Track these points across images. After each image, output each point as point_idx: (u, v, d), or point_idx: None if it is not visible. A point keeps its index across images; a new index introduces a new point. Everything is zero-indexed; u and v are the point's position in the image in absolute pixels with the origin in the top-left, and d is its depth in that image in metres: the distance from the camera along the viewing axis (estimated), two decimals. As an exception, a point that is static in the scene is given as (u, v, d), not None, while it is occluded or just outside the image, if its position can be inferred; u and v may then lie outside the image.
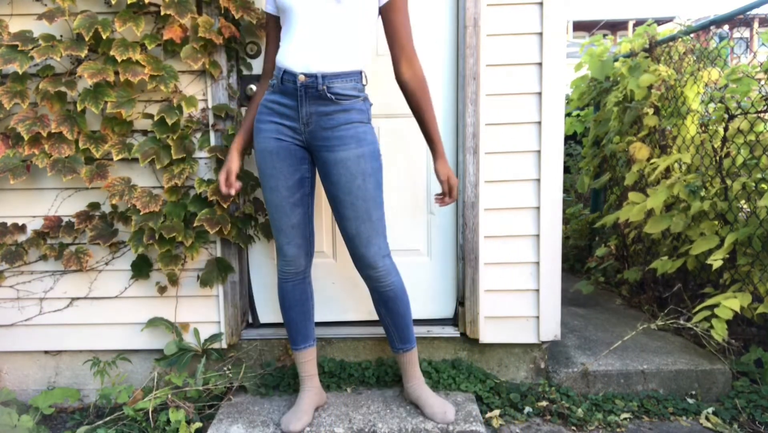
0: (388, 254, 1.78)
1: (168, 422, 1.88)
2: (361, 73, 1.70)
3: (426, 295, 2.22)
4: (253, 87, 2.08)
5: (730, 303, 2.09)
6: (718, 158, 2.40)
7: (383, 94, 2.10)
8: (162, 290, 2.08)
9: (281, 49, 1.70)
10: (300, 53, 1.65)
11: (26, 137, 1.86)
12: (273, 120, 1.72)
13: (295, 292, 1.83)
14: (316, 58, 1.64)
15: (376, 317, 2.22)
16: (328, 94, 1.65)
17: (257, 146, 1.74)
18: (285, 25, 1.71)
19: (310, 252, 1.84)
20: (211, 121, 2.02)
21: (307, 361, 1.88)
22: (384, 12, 1.69)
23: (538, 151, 2.03)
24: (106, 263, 2.09)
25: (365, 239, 1.72)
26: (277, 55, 1.74)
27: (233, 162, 1.80)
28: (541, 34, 1.98)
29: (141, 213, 1.94)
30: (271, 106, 1.72)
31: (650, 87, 2.81)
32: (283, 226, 1.75)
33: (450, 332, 2.16)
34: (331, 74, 1.65)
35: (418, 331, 2.15)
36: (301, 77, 1.64)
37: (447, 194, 1.81)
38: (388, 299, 1.80)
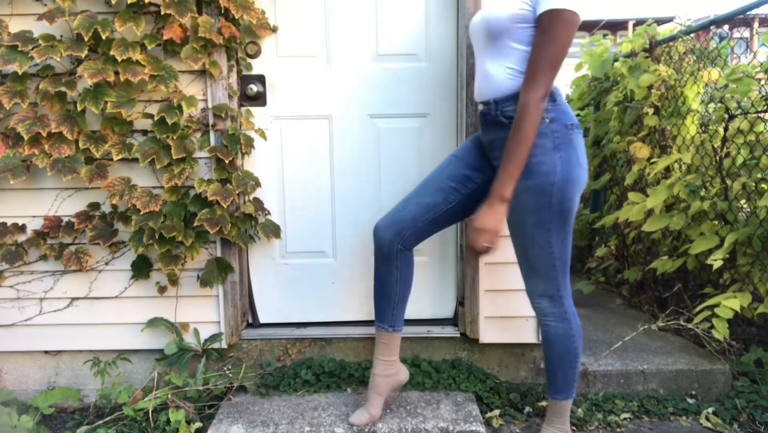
0: (552, 295, 1.63)
1: (168, 422, 1.88)
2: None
3: (426, 295, 2.22)
4: (253, 87, 2.08)
5: (731, 303, 2.09)
6: (718, 158, 2.40)
7: (392, 95, 2.11)
8: (162, 290, 2.08)
9: None
10: (476, 82, 1.67)
11: (26, 137, 1.86)
12: None
13: None
14: (485, 85, 1.62)
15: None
16: (502, 119, 1.59)
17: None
18: None
19: None
20: (211, 121, 2.02)
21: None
22: (536, 24, 1.50)
23: (538, 151, 2.03)
24: (106, 263, 2.09)
25: (524, 273, 1.68)
26: None
27: None
28: (541, 34, 1.98)
29: (141, 213, 1.94)
30: None
31: (650, 87, 2.81)
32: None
33: (450, 332, 2.16)
34: (503, 98, 1.57)
35: (418, 331, 2.15)
36: (481, 106, 1.67)
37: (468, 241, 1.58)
38: (543, 338, 1.71)
